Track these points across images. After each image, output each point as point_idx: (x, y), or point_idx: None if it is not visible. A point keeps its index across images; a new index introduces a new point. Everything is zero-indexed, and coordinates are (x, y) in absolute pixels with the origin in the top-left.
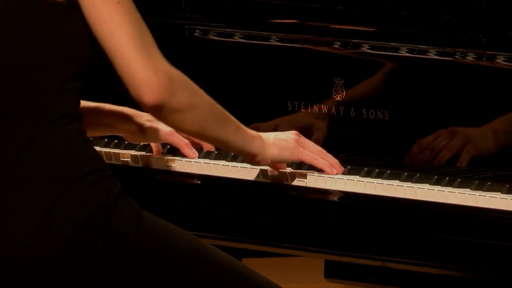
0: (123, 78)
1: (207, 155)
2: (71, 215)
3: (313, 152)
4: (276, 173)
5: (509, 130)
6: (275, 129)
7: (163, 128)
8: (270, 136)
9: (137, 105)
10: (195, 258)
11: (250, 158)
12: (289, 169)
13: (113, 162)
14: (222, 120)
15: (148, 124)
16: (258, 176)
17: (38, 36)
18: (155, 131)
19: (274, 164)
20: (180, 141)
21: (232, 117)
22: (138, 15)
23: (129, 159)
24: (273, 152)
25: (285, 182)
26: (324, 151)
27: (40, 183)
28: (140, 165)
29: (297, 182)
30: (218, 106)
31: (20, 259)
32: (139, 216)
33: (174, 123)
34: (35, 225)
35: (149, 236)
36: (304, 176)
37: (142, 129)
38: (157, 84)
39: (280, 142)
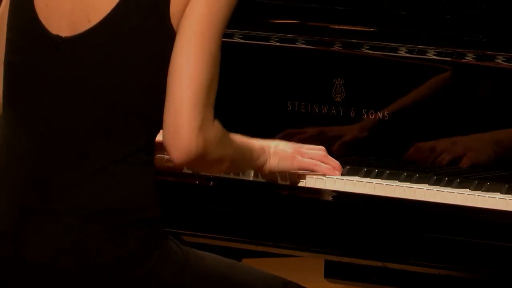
0: (166, 120)
1: None
2: (104, 252)
3: (314, 158)
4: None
5: (509, 130)
6: (275, 129)
7: None
8: (271, 146)
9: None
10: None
11: (254, 170)
12: (285, 170)
13: None
14: (244, 158)
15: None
16: (257, 176)
17: (155, 64)
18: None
19: (271, 172)
20: None
21: (250, 145)
22: (217, 73)
23: None
24: (273, 163)
25: (285, 183)
26: (326, 154)
27: (97, 211)
28: None
29: (295, 182)
30: (243, 147)
31: (42, 276)
32: (181, 268)
33: (196, 169)
34: (64, 247)
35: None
36: (303, 176)
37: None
38: (194, 149)
39: (280, 153)
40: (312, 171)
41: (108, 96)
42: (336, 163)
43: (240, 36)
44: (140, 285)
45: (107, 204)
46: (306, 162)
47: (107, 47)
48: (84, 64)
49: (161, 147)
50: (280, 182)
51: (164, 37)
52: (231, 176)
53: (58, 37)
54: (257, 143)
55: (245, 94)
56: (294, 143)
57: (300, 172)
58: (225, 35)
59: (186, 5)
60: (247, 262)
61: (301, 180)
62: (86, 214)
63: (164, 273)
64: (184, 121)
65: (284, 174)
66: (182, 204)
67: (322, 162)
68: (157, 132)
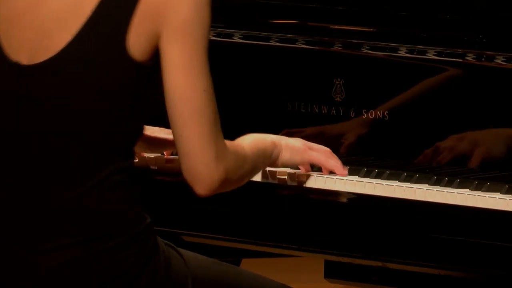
0: (183, 162)
1: None
2: (98, 276)
3: (322, 153)
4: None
5: (509, 130)
6: (275, 129)
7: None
8: (281, 140)
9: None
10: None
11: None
12: (288, 170)
13: None
14: (260, 161)
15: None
16: (257, 176)
17: (116, 93)
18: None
19: (283, 166)
20: None
21: (262, 145)
22: (215, 103)
23: None
24: (285, 155)
25: (283, 183)
26: (331, 152)
27: (82, 238)
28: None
29: (296, 182)
30: (257, 149)
31: None
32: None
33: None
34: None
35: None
36: (303, 176)
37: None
38: (216, 181)
39: (291, 146)
40: (321, 166)
41: (70, 124)
42: (340, 163)
43: (240, 36)
44: None
45: (90, 231)
46: (317, 157)
47: (66, 76)
48: (44, 93)
49: (160, 145)
50: (289, 183)
51: (122, 67)
52: None
53: (17, 65)
54: (268, 138)
55: (245, 94)
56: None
57: (299, 172)
58: (225, 35)
59: (148, 36)
60: (247, 262)
61: (279, 177)
62: (66, 243)
63: (163, 280)
64: (201, 161)
65: (293, 174)
66: (182, 204)
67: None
68: (130, 151)
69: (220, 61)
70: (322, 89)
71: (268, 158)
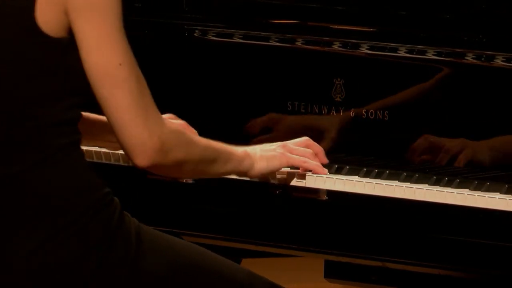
0: (118, 137)
1: None
2: (68, 250)
3: (302, 155)
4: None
5: (509, 130)
6: (275, 129)
7: None
8: (256, 150)
9: None
10: (197, 269)
11: (241, 175)
12: (287, 170)
13: (103, 161)
14: (214, 159)
15: None
16: None
17: (37, 69)
18: None
19: (264, 176)
20: None
21: (223, 148)
22: (140, 73)
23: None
24: (261, 165)
25: (284, 183)
26: (312, 151)
27: (38, 214)
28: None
29: (295, 182)
30: (211, 146)
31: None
32: (138, 238)
33: (168, 175)
34: (26, 254)
35: (149, 256)
36: (303, 176)
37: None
38: (150, 149)
39: (266, 154)
40: (301, 168)
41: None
42: (319, 148)
43: (240, 36)
44: (121, 263)
45: (45, 211)
46: (296, 158)
47: None
48: None
49: (103, 127)
50: (289, 183)
51: (37, 43)
52: (231, 176)
53: None
54: (239, 148)
55: (245, 95)
56: (280, 142)
57: (298, 172)
58: (225, 35)
59: (56, 13)
60: (247, 262)
61: (300, 180)
62: (27, 229)
63: (136, 253)
64: (131, 132)
65: (274, 175)
66: (182, 204)
67: (310, 159)
68: (72, 127)
69: (220, 61)
70: (322, 89)
71: (233, 163)
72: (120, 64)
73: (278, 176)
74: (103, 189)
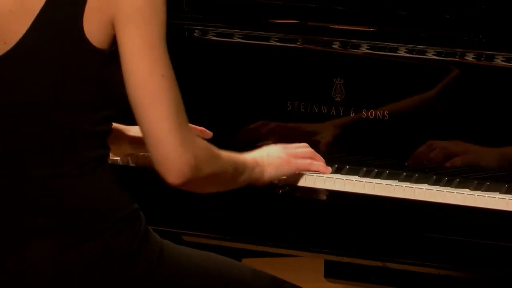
0: (150, 151)
1: None
2: (90, 263)
3: (305, 157)
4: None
5: (508, 130)
6: (275, 128)
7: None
8: (263, 157)
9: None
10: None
11: (252, 183)
12: None
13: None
14: (235, 170)
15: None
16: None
17: (78, 78)
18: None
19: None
20: None
21: (237, 158)
22: (178, 88)
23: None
24: (270, 172)
25: (283, 183)
26: (313, 151)
27: (61, 223)
28: (132, 164)
29: (294, 182)
30: (230, 157)
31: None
32: (160, 254)
33: (197, 191)
34: (44, 261)
35: (170, 273)
36: (302, 176)
37: (130, 145)
38: (186, 166)
39: (275, 161)
40: (307, 170)
41: (38, 115)
42: (322, 159)
43: (240, 36)
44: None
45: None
46: (302, 163)
47: (26, 68)
48: (7, 85)
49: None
50: (289, 183)
51: (82, 53)
52: None
53: None
54: (248, 156)
55: (245, 94)
56: (280, 144)
57: (297, 172)
58: (225, 35)
59: (103, 23)
60: (247, 262)
61: (300, 180)
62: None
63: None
64: (166, 147)
65: (293, 174)
66: (182, 204)
67: (313, 159)
68: (103, 140)
69: (220, 61)
70: (322, 89)
71: (248, 173)
72: (163, 76)
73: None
74: (131, 206)
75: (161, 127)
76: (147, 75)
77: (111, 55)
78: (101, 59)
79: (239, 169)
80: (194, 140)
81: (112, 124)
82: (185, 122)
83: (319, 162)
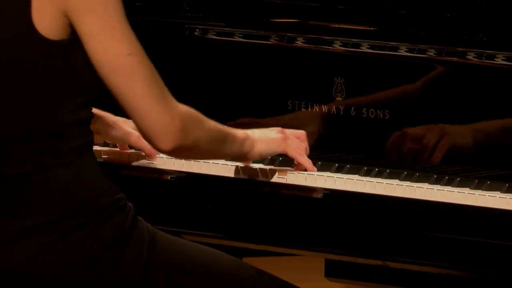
0: (139, 126)
1: None
2: (79, 250)
3: (296, 146)
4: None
5: (509, 129)
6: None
7: (134, 133)
8: (255, 132)
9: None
10: (211, 274)
11: (241, 158)
12: (288, 169)
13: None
14: (224, 138)
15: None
16: (258, 175)
17: (40, 72)
18: (128, 135)
19: (262, 158)
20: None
21: (226, 130)
22: (149, 61)
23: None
24: (261, 147)
25: (284, 182)
26: (305, 147)
27: (50, 214)
28: (132, 164)
29: (295, 182)
30: (219, 126)
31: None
32: (151, 243)
33: (188, 157)
34: (36, 252)
35: (162, 261)
36: (303, 175)
37: (120, 135)
38: (174, 131)
39: (266, 137)
40: (295, 160)
41: (7, 113)
42: (307, 148)
43: (241, 35)
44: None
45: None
46: (293, 149)
47: None
48: None
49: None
50: (289, 182)
51: (35, 46)
52: (233, 175)
53: None
54: (239, 130)
55: (246, 93)
56: (277, 128)
57: (297, 171)
58: (225, 34)
59: (54, 13)
60: (248, 261)
61: (280, 176)
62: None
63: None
64: (153, 118)
65: (293, 174)
66: (182, 203)
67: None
68: (82, 129)
69: (221, 60)
70: (322, 88)
71: (237, 145)
72: (129, 54)
73: (279, 175)
74: (117, 193)
75: (143, 103)
76: (114, 58)
77: (70, 43)
78: (60, 50)
79: (228, 138)
80: (177, 105)
81: (92, 110)
82: (165, 91)
83: (308, 159)
